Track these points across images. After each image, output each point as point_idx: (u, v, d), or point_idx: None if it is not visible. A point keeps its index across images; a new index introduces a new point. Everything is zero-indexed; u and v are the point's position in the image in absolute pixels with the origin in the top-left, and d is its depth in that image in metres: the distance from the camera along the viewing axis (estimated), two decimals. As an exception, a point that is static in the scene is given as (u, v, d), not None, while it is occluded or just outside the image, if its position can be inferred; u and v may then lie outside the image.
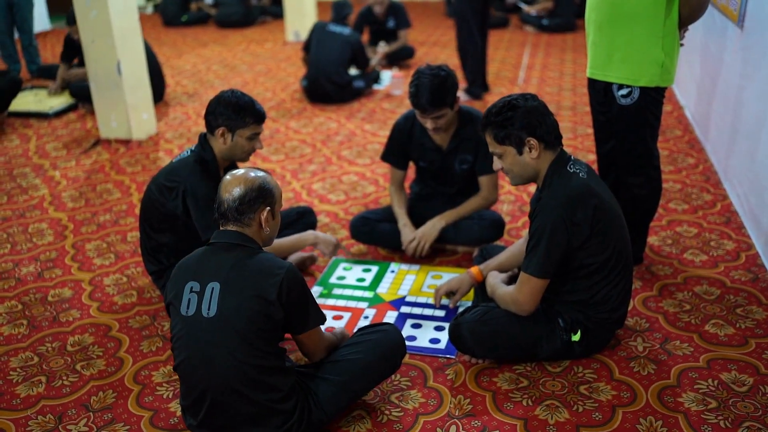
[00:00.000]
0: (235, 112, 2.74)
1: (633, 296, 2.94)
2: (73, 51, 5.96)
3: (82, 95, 5.70)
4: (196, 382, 2.07)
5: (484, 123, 2.45)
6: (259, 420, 2.08)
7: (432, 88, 3.04)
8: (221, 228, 2.14)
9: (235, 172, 2.16)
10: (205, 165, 2.80)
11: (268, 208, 2.14)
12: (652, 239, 3.39)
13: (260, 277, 2.03)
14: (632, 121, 2.93)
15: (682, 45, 2.97)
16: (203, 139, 2.83)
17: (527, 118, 2.36)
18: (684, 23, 2.84)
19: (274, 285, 2.01)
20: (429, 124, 3.14)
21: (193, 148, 2.85)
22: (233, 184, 2.11)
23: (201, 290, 2.05)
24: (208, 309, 2.03)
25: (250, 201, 2.10)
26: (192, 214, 2.77)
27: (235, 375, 2.02)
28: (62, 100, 6.11)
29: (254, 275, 2.04)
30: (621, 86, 2.89)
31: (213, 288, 2.04)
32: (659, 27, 2.78)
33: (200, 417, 2.09)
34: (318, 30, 6.05)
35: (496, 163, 2.50)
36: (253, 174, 2.14)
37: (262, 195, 2.12)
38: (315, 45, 5.96)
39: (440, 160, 3.34)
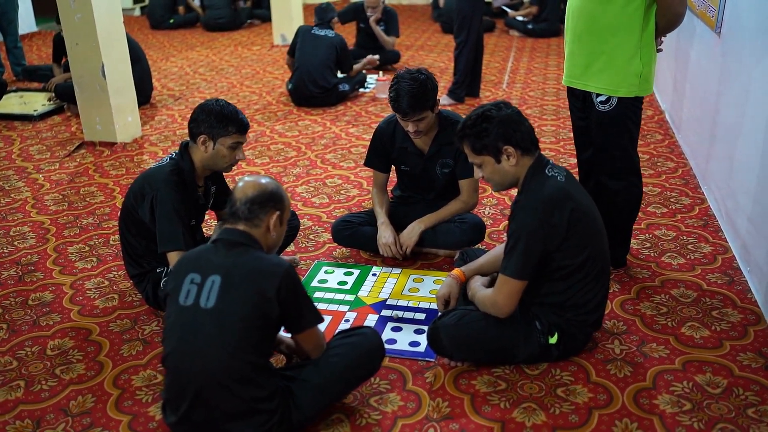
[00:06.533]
0: (218, 120, 2.76)
1: (611, 299, 2.97)
2: (62, 51, 5.95)
3: (67, 96, 5.67)
4: (184, 373, 2.09)
5: (460, 135, 2.49)
6: (240, 417, 2.10)
7: (412, 92, 3.08)
8: (229, 227, 2.19)
9: (250, 176, 2.24)
10: (181, 175, 2.81)
11: (278, 212, 2.21)
12: (631, 242, 3.42)
13: (261, 274, 2.09)
14: (611, 127, 2.95)
15: (659, 51, 3.01)
16: (183, 148, 2.85)
17: (502, 128, 2.40)
18: (661, 33, 2.87)
19: (274, 282, 2.06)
20: (410, 128, 3.18)
21: (172, 155, 2.86)
22: (248, 185, 2.19)
23: (201, 282, 2.09)
24: (207, 300, 2.07)
25: (262, 202, 2.17)
26: (156, 224, 2.76)
27: (224, 368, 2.04)
28: (48, 103, 6.11)
29: (255, 272, 2.09)
30: (599, 94, 2.92)
31: (214, 281, 2.08)
32: (637, 38, 2.80)
33: (181, 411, 2.10)
34: (302, 33, 6.06)
35: (477, 173, 2.54)
36: (266, 180, 2.24)
37: (273, 199, 2.20)
38: (300, 48, 5.97)
39: (422, 165, 3.37)
